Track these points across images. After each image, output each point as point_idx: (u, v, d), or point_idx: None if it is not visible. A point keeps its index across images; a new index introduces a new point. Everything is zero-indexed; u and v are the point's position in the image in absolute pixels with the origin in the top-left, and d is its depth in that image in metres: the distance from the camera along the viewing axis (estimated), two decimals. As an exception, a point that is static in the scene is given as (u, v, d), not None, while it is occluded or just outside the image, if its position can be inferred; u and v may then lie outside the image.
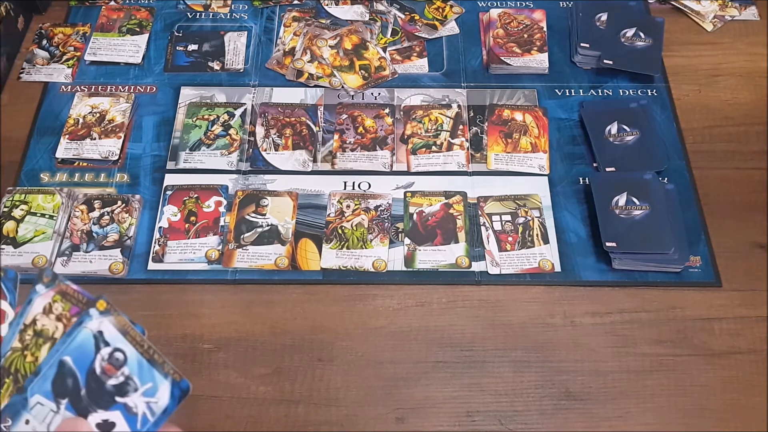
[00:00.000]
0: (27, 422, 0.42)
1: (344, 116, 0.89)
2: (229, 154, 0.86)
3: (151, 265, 0.78)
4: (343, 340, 0.73)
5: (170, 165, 0.85)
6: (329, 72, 0.92)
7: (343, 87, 0.92)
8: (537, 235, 0.80)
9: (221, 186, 0.83)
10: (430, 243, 0.79)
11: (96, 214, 0.80)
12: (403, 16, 0.99)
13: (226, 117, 0.89)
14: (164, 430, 0.43)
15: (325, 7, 1.00)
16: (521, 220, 0.81)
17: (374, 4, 1.00)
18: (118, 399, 0.42)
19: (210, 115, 0.89)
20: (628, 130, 0.86)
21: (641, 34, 0.95)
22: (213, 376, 0.71)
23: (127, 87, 0.92)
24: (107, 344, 0.43)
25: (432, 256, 0.78)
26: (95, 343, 0.43)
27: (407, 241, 0.79)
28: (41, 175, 0.84)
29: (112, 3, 1.01)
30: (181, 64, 0.95)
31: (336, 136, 0.88)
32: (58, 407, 0.42)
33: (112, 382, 0.43)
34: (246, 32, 0.98)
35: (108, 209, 0.81)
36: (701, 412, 0.69)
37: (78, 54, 0.95)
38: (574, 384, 0.71)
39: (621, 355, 0.72)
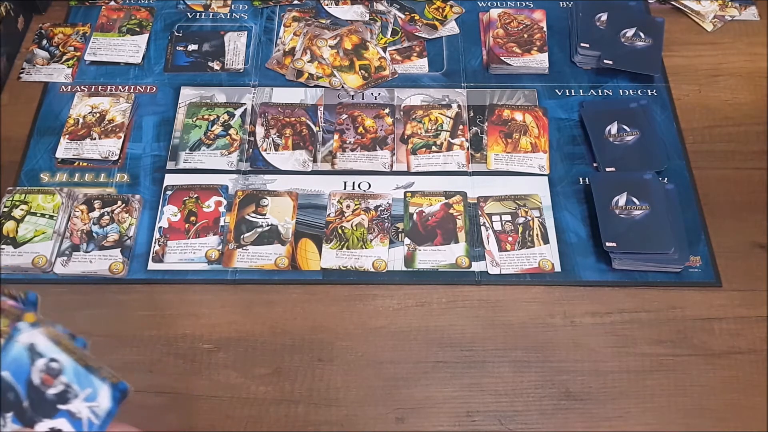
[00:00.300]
0: None
1: (344, 116, 0.89)
2: (229, 154, 0.86)
3: (151, 265, 0.78)
4: (343, 340, 0.73)
5: (170, 165, 0.85)
6: (329, 72, 0.92)
7: (343, 87, 0.92)
8: (537, 235, 0.80)
9: (221, 186, 0.83)
10: (430, 243, 0.79)
11: (96, 214, 0.80)
12: (403, 16, 0.99)
13: (226, 117, 0.89)
14: (116, 430, 0.44)
15: (325, 7, 1.00)
16: (521, 220, 0.81)
17: (374, 4, 1.00)
18: (60, 407, 0.43)
19: (210, 115, 0.89)
20: (628, 130, 0.86)
21: (641, 34, 0.95)
22: (213, 376, 0.71)
23: (127, 87, 0.92)
24: (41, 355, 0.43)
25: (432, 256, 0.78)
26: (29, 355, 0.43)
27: (407, 241, 0.79)
28: (41, 175, 0.84)
29: (112, 3, 1.01)
30: (181, 64, 0.95)
31: (336, 136, 0.88)
32: (4, 422, 0.42)
33: (52, 391, 0.43)
34: (246, 32, 0.98)
35: (108, 209, 0.81)
36: (701, 412, 0.69)
37: (78, 54, 0.95)
38: (574, 384, 0.71)
39: (621, 355, 0.72)
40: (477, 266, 0.78)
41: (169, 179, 0.84)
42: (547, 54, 0.94)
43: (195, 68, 0.94)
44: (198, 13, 1.00)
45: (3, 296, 0.45)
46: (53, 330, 0.44)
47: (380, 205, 0.82)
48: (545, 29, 0.97)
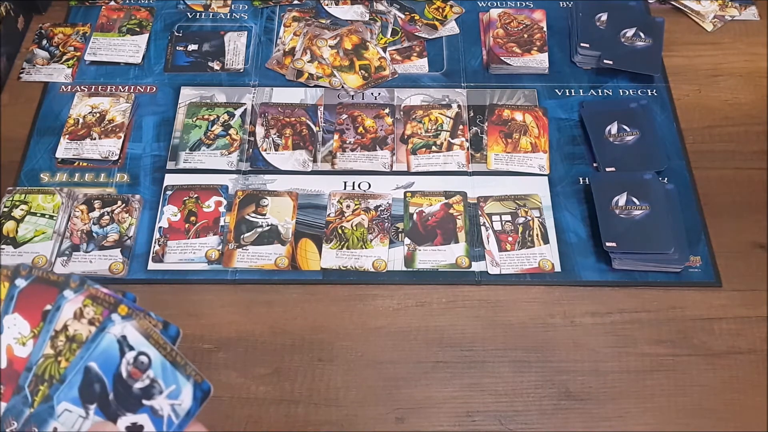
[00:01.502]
0: (55, 430, 0.42)
1: (344, 116, 0.89)
2: (229, 154, 0.86)
3: (151, 265, 0.78)
4: (343, 340, 0.73)
5: (170, 165, 0.85)
6: (329, 72, 0.92)
7: (343, 87, 0.92)
8: (537, 235, 0.80)
9: (221, 186, 0.83)
10: (430, 243, 0.79)
11: (96, 214, 0.80)
12: (403, 16, 0.99)
13: (226, 117, 0.89)
14: (189, 430, 0.43)
15: (325, 7, 1.00)
16: (521, 220, 0.81)
17: (374, 4, 1.00)
18: (144, 402, 0.43)
19: (210, 115, 0.89)
20: (628, 130, 0.86)
21: (641, 34, 0.95)
22: (213, 376, 0.71)
23: (127, 87, 0.92)
24: (131, 348, 0.43)
25: (432, 256, 0.78)
26: (119, 347, 0.43)
27: (407, 241, 0.79)
28: (41, 175, 0.84)
29: (112, 3, 1.01)
30: (181, 64, 0.95)
31: (336, 136, 0.88)
32: (87, 413, 0.42)
33: (138, 385, 0.43)
34: (246, 32, 0.98)
35: (108, 209, 0.81)
36: (701, 412, 0.69)
37: (78, 54, 0.95)
38: (574, 384, 0.71)
39: (621, 355, 0.72)
40: (477, 266, 0.78)
41: (169, 179, 0.84)
42: (547, 54, 0.94)
43: (195, 68, 0.94)
44: (198, 13, 1.00)
45: (98, 284, 0.45)
46: (145, 321, 0.44)
47: (380, 205, 0.82)
48: (545, 29, 0.97)
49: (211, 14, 1.00)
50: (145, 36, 0.97)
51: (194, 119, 0.89)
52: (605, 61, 0.93)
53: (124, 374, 0.43)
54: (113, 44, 0.96)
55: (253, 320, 0.74)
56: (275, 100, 0.91)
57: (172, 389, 0.43)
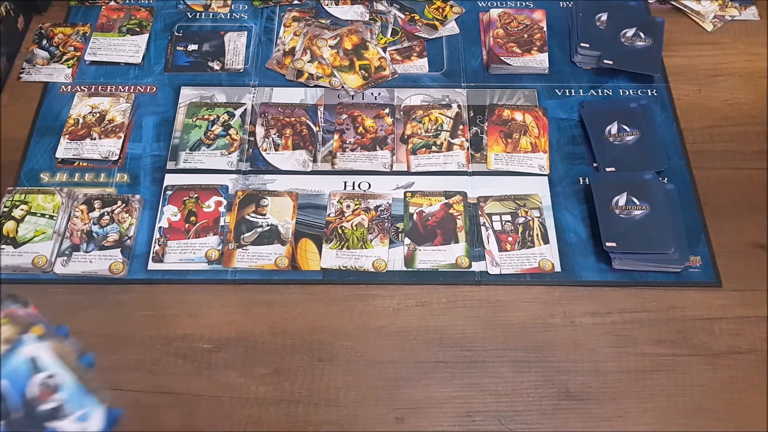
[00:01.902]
0: None
1: (344, 116, 0.89)
2: (229, 154, 0.86)
3: (151, 265, 0.78)
4: (343, 340, 0.73)
5: (170, 165, 0.85)
6: (329, 72, 0.92)
7: (343, 87, 0.92)
8: (537, 235, 0.80)
9: (221, 186, 0.83)
10: (430, 243, 0.79)
11: (96, 214, 0.80)
12: (403, 16, 0.99)
13: (226, 117, 0.89)
14: None
15: (325, 7, 1.00)
16: (521, 220, 0.81)
17: (374, 4, 1.00)
18: (51, 423, 0.42)
19: (210, 115, 0.89)
20: (628, 130, 0.86)
21: (641, 34, 0.95)
22: (213, 376, 0.71)
23: (127, 87, 0.92)
24: (42, 369, 0.43)
25: (432, 256, 0.78)
26: (29, 368, 0.43)
27: (407, 241, 0.79)
28: (41, 175, 0.84)
29: (112, 3, 1.01)
30: (181, 64, 0.95)
31: (336, 136, 0.88)
32: None
33: (46, 406, 0.43)
34: (246, 32, 0.98)
35: (108, 209, 0.81)
36: (701, 412, 0.69)
37: (78, 54, 0.95)
38: (574, 384, 0.71)
39: (621, 355, 0.72)
40: (477, 266, 0.78)
41: (169, 179, 0.84)
42: (547, 54, 0.94)
43: (195, 68, 0.94)
44: (198, 13, 1.00)
45: (15, 304, 0.45)
46: (60, 345, 0.44)
47: (380, 205, 0.82)
48: (545, 29, 0.97)
49: (211, 14, 1.00)
50: (145, 36, 0.97)
51: (194, 119, 0.88)
52: (605, 61, 0.93)
53: (32, 395, 0.43)
54: (113, 44, 0.96)
55: (253, 320, 0.74)
56: (275, 100, 0.91)
57: (81, 413, 0.43)
